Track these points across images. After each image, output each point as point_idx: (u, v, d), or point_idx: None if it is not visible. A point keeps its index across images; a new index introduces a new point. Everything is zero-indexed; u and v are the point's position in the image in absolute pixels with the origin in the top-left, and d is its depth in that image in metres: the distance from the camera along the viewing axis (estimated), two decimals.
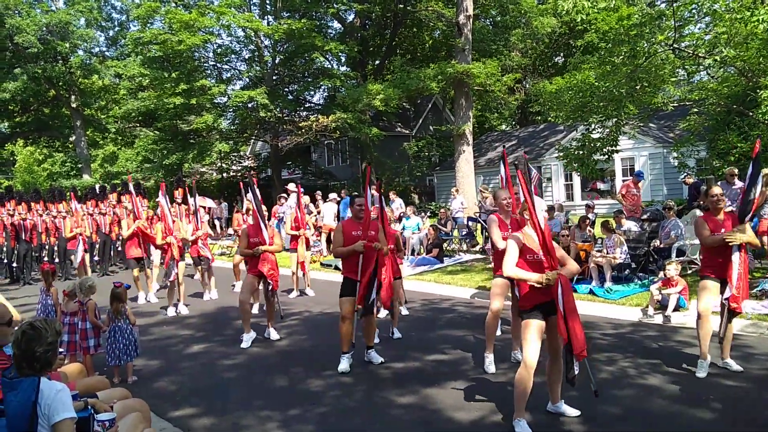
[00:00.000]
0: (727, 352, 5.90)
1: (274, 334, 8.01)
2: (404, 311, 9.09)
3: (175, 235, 10.25)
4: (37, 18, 30.13)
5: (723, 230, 5.66)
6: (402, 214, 15.95)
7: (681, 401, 5.14)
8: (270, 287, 7.91)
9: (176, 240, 10.26)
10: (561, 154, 14.84)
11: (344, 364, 6.39)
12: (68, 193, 17.82)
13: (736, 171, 11.00)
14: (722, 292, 5.71)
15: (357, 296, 6.33)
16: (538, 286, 4.49)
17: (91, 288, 6.55)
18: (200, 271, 11.42)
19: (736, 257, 5.54)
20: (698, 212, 11.36)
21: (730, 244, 5.49)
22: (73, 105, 33.57)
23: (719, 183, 11.59)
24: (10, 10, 29.58)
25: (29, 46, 29.36)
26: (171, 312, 10.01)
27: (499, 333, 7.24)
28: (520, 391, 4.55)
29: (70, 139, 36.22)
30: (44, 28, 30.45)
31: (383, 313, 8.56)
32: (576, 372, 4.55)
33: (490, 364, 6.16)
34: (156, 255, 11.68)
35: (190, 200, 11.89)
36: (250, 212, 9.00)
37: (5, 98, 30.50)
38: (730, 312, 5.67)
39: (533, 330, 4.54)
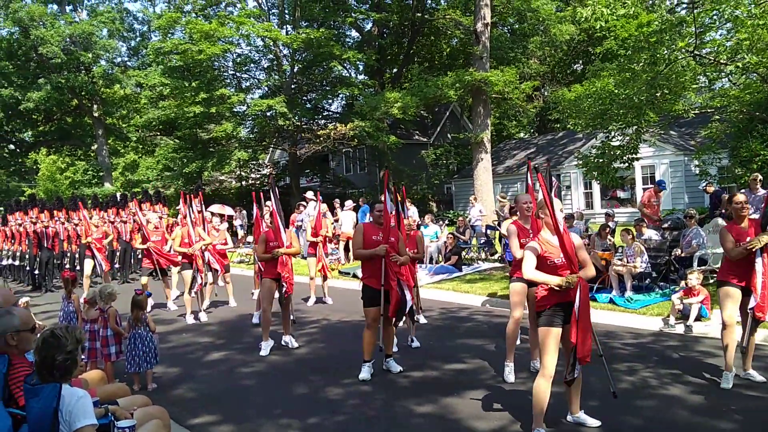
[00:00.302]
0: (750, 363, 5.81)
1: (292, 342, 8.02)
2: (422, 320, 9.06)
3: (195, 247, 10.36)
4: (60, 29, 30.65)
5: (747, 238, 5.57)
6: (418, 224, 15.92)
7: (703, 412, 5.06)
8: (284, 290, 7.93)
9: (199, 251, 10.37)
10: (580, 162, 14.76)
11: (365, 373, 6.37)
12: (88, 201, 18.05)
13: (760, 177, 10.84)
14: (744, 298, 5.61)
15: (390, 308, 6.32)
16: (558, 289, 4.44)
17: (111, 295, 6.61)
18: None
19: (759, 264, 5.44)
20: (720, 221, 11.21)
21: (752, 249, 5.40)
22: (95, 114, 34.06)
23: (743, 190, 11.44)
24: (35, 21, 30.13)
25: (53, 56, 29.87)
26: (190, 320, 10.07)
27: (518, 342, 7.21)
28: (539, 401, 4.50)
29: (92, 147, 36.73)
30: (68, 39, 30.97)
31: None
32: (576, 375, 4.53)
33: (509, 373, 6.12)
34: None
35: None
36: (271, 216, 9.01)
37: (29, 107, 31.04)
38: (754, 321, 5.58)
39: (552, 339, 4.50)
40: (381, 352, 6.61)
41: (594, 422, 4.78)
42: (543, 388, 4.47)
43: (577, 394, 4.79)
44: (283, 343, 8.04)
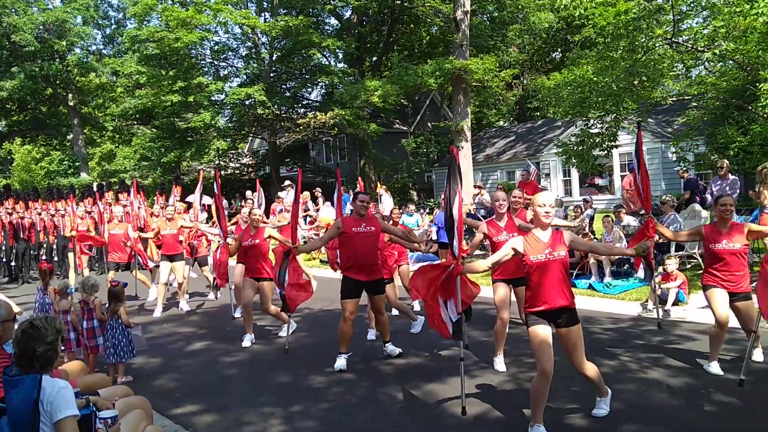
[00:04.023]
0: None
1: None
2: (394, 312, 8.96)
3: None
4: (34, 16, 30.02)
5: (725, 241, 5.53)
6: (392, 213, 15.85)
7: (682, 395, 5.15)
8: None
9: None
10: (560, 149, 14.86)
11: (342, 362, 6.36)
12: (70, 193, 17.80)
13: (727, 163, 10.96)
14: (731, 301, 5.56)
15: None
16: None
17: (94, 287, 6.54)
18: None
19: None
20: (697, 207, 11.36)
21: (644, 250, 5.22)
22: (71, 103, 33.49)
23: (714, 177, 11.60)
24: (7, 8, 29.48)
25: (26, 44, 29.28)
26: (186, 307, 10.23)
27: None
28: (537, 399, 4.37)
29: (68, 137, 36.13)
30: (41, 27, 30.36)
31: (395, 311, 8.60)
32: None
33: (500, 364, 6.12)
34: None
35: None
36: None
37: (2, 97, 30.50)
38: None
39: (541, 338, 4.36)
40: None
41: None
42: (543, 388, 4.33)
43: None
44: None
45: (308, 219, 17.39)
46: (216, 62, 29.92)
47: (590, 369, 4.54)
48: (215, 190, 8.42)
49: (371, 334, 7.70)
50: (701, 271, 6.22)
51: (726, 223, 5.64)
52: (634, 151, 6.82)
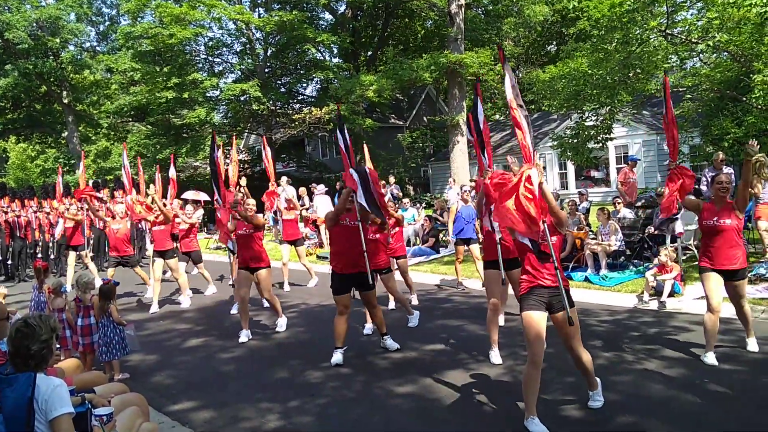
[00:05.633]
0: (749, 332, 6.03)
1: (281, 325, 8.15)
2: (392, 305, 8.95)
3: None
4: (27, 14, 29.83)
5: (716, 218, 5.61)
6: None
7: (679, 385, 5.16)
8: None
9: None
10: (555, 143, 14.86)
11: (338, 357, 6.39)
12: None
13: (722, 155, 10.97)
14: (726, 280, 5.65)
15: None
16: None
17: (87, 284, 6.51)
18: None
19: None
20: (692, 198, 11.35)
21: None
22: (65, 101, 33.34)
23: (708, 168, 11.61)
24: (0, 6, 29.32)
25: (20, 42, 29.12)
26: (155, 308, 10.02)
27: (501, 323, 7.24)
28: (529, 388, 4.34)
29: (63, 134, 35.98)
30: (34, 24, 30.17)
31: (392, 305, 8.60)
32: None
33: (495, 356, 6.12)
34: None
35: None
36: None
37: None
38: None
39: (533, 323, 4.35)
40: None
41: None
42: (534, 376, 4.30)
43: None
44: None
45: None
46: (210, 58, 29.81)
47: (585, 355, 4.57)
48: (214, 153, 8.50)
49: (367, 329, 7.71)
50: (696, 263, 6.25)
51: (722, 201, 5.74)
52: (663, 100, 6.72)
